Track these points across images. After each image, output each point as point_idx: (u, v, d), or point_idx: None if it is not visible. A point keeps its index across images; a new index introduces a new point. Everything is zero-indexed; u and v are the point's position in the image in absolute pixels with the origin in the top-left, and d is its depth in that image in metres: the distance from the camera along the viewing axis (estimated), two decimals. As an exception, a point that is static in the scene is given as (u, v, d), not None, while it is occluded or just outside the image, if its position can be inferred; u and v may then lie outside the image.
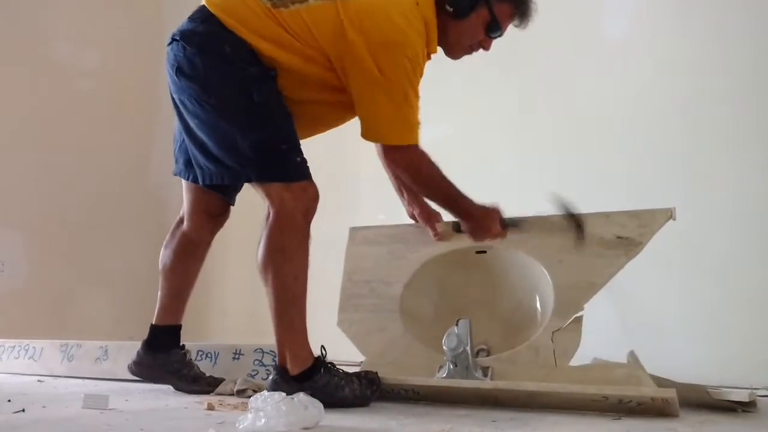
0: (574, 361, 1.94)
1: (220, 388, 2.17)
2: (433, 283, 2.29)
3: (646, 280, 2.82)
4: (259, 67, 1.90)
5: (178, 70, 1.92)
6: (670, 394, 1.66)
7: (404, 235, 2.37)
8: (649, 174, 2.87)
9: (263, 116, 1.90)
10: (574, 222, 2.08)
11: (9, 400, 1.97)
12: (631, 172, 2.92)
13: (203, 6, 1.96)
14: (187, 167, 2.10)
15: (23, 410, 1.79)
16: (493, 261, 2.27)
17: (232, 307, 4.19)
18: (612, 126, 2.98)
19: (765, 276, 2.59)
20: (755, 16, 2.69)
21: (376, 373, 1.94)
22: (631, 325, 2.82)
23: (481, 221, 2.10)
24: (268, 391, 1.73)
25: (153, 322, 2.28)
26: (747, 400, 1.78)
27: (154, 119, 4.42)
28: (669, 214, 2.04)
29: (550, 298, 2.08)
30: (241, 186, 2.17)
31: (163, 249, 2.29)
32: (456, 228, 2.21)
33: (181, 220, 2.26)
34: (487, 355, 2.09)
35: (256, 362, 2.36)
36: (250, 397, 1.75)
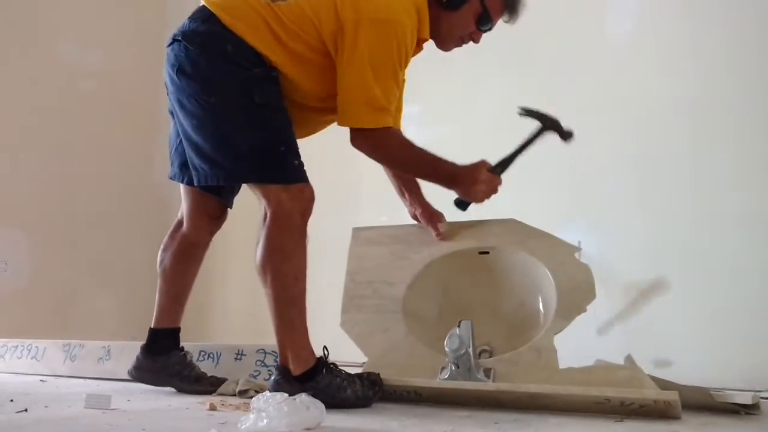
0: (577, 363, 1.94)
1: (222, 389, 2.17)
2: (435, 284, 2.29)
3: (648, 281, 2.82)
4: (260, 68, 1.90)
5: (179, 70, 1.92)
6: (673, 396, 1.66)
7: (407, 235, 2.37)
8: (653, 175, 2.87)
9: (263, 117, 1.90)
10: (551, 124, 2.13)
11: (11, 400, 1.97)
12: (635, 172, 2.92)
13: (203, 6, 1.96)
14: (182, 170, 2.11)
15: (26, 410, 1.79)
16: (495, 262, 2.27)
17: (234, 307, 4.19)
18: (616, 126, 2.98)
19: (768, 278, 2.59)
20: (761, 14, 2.68)
21: (379, 374, 1.94)
22: (633, 327, 2.82)
23: (468, 179, 2.08)
24: (270, 391, 1.72)
25: (152, 326, 2.28)
26: (750, 402, 1.78)
27: (157, 119, 4.41)
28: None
29: (552, 300, 2.08)
30: (239, 188, 2.17)
31: (161, 251, 2.28)
32: (457, 204, 2.17)
33: (180, 223, 2.27)
34: (490, 356, 2.08)
35: (258, 363, 2.36)
36: (252, 397, 1.75)
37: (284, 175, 1.88)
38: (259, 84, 1.90)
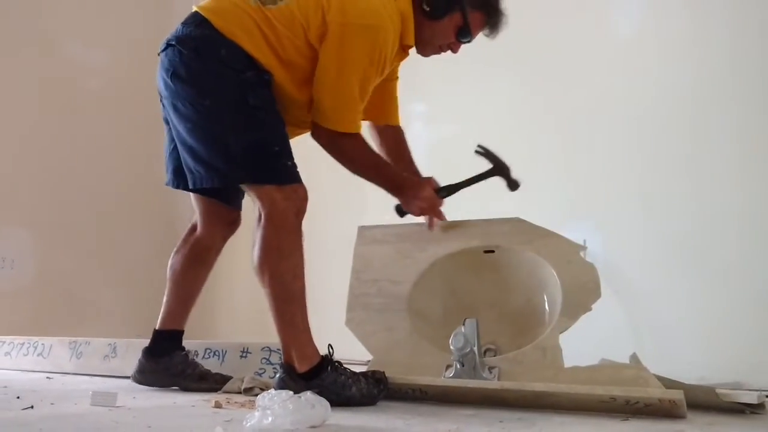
0: (582, 362, 1.94)
1: (227, 386, 2.18)
2: (441, 282, 2.29)
3: (653, 281, 2.82)
4: (253, 71, 1.92)
5: (174, 75, 1.93)
6: (678, 395, 1.65)
7: (412, 234, 2.36)
8: (656, 173, 2.86)
9: (257, 119, 1.91)
10: (500, 170, 2.21)
11: (18, 397, 1.98)
12: (639, 171, 2.91)
13: (196, 11, 1.98)
14: (176, 175, 2.13)
15: (32, 407, 1.80)
16: (501, 260, 2.27)
17: (240, 305, 4.19)
18: (620, 125, 2.97)
19: (773, 277, 2.58)
20: (764, 14, 2.67)
21: (383, 372, 1.94)
22: (639, 326, 2.81)
23: (411, 192, 2.18)
24: (276, 389, 1.73)
25: (156, 327, 2.29)
26: (756, 402, 1.77)
27: (161, 118, 4.42)
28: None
29: (558, 298, 2.08)
30: (243, 192, 2.18)
31: (173, 254, 2.29)
32: (397, 209, 2.26)
33: (194, 228, 2.28)
34: (495, 355, 2.08)
35: (264, 360, 2.37)
36: (257, 395, 1.75)
37: (278, 175, 1.90)
38: (253, 87, 1.91)
